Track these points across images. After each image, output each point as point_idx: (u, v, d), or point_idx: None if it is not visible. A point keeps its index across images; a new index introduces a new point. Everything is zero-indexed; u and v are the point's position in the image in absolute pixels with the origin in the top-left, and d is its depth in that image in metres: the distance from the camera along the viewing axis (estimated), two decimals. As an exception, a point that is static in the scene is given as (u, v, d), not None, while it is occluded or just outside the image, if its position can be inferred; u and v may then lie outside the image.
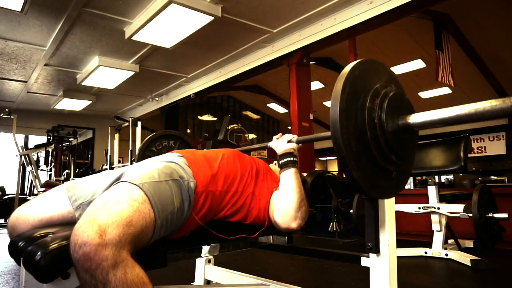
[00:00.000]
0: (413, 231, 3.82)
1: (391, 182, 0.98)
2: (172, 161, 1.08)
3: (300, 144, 1.29)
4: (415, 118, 0.90)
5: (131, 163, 4.85)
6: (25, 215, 1.00)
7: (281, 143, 1.28)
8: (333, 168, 15.19)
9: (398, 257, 1.15)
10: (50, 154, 8.24)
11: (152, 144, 2.05)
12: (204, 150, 1.34)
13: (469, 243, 3.17)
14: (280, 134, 1.35)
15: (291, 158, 1.22)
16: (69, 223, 0.99)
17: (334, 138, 0.82)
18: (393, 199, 1.17)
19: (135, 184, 0.89)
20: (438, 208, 2.78)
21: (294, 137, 1.29)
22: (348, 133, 0.84)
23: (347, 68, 0.88)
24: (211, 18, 3.67)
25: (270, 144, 1.35)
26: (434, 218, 2.92)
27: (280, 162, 1.24)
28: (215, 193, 1.07)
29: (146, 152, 2.02)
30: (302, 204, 1.14)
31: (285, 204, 1.14)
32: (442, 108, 0.87)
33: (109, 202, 0.82)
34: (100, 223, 0.75)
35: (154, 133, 2.08)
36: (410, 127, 0.91)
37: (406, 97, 0.98)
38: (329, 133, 1.10)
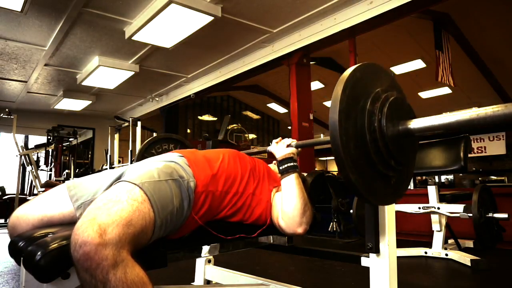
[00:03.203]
0: (413, 231, 3.82)
1: (389, 188, 0.96)
2: (173, 160, 1.08)
3: (299, 149, 1.29)
4: (416, 123, 0.88)
5: (131, 163, 4.84)
6: (26, 214, 1.00)
7: (281, 147, 1.28)
8: (333, 168, 15.19)
9: (398, 257, 1.15)
10: (50, 154, 8.24)
11: (152, 146, 2.02)
12: (205, 150, 1.34)
13: (469, 243, 3.17)
14: (280, 138, 1.34)
15: (292, 164, 1.21)
16: (70, 223, 0.99)
17: (332, 139, 0.81)
18: (393, 199, 1.17)
19: (135, 184, 0.89)
20: (438, 208, 2.78)
21: (294, 141, 1.29)
22: (347, 135, 0.82)
23: (349, 71, 0.88)
24: (211, 18, 3.67)
25: (270, 148, 1.34)
26: (434, 218, 2.92)
27: (281, 168, 1.22)
28: (215, 193, 1.07)
29: (146, 155, 1.99)
30: (307, 209, 1.13)
31: (289, 210, 1.13)
32: (443, 114, 0.85)
33: (109, 201, 0.82)
34: (100, 222, 0.75)
35: (154, 135, 2.05)
36: (410, 133, 0.89)
37: (407, 103, 0.97)
38: (329, 138, 1.10)
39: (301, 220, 1.12)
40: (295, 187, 1.15)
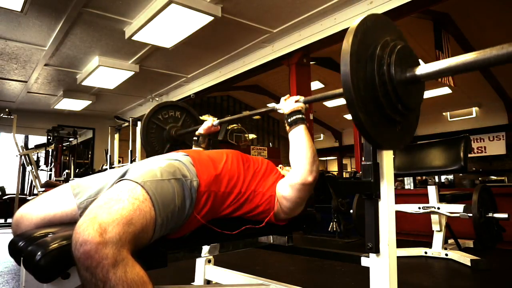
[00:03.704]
0: (413, 231, 3.82)
1: (395, 134, 1.00)
2: (177, 159, 1.09)
3: (307, 105, 1.28)
4: (422, 69, 0.92)
5: (131, 163, 4.84)
6: (30, 213, 1.00)
7: (289, 103, 1.28)
8: (333, 168, 15.20)
9: (398, 257, 1.15)
10: (50, 154, 8.24)
11: (159, 112, 2.00)
12: (208, 150, 1.34)
13: (469, 243, 3.17)
14: (288, 95, 1.34)
15: (300, 116, 1.22)
16: (72, 222, 0.99)
17: (343, 80, 0.83)
18: (393, 199, 1.17)
19: (136, 182, 0.89)
20: (438, 208, 2.78)
21: (301, 98, 1.29)
22: (358, 77, 0.85)
23: (359, 19, 0.91)
24: (211, 18, 3.67)
25: (278, 105, 1.33)
26: (434, 218, 2.92)
27: (289, 120, 1.23)
28: (217, 193, 1.07)
29: (152, 119, 1.97)
30: (316, 159, 1.16)
31: (299, 159, 1.14)
32: (448, 59, 0.88)
33: (111, 200, 0.82)
34: (100, 221, 0.75)
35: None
36: (417, 78, 0.93)
37: (414, 53, 1.00)
38: (338, 90, 1.13)
39: (311, 168, 1.13)
40: (304, 137, 1.17)
